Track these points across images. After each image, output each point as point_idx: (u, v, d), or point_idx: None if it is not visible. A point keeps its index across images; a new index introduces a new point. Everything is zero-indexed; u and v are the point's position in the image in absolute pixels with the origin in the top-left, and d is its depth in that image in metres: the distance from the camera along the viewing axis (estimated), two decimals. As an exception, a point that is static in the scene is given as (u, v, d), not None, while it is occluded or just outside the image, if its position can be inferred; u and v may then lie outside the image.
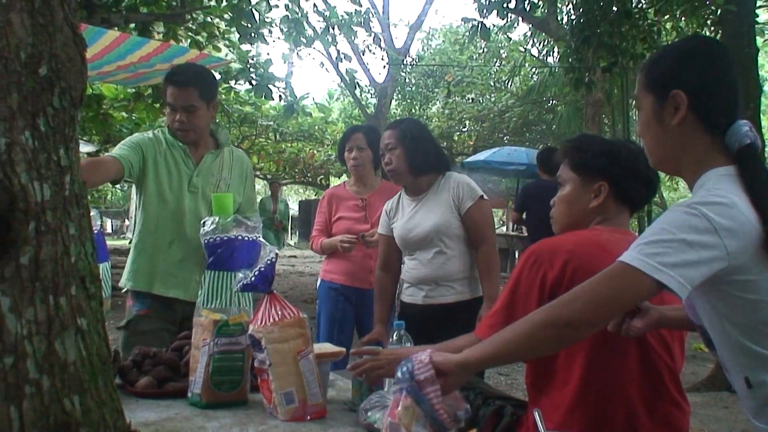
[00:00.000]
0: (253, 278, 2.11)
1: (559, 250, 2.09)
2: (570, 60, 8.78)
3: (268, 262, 2.12)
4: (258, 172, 19.34)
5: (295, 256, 17.42)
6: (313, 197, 25.93)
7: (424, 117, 22.34)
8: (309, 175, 21.36)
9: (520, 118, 21.40)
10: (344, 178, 21.75)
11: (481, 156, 14.84)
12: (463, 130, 23.33)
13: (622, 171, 2.21)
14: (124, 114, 12.37)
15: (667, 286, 1.52)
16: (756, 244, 1.55)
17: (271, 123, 17.12)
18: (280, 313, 2.09)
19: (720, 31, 6.94)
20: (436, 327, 3.25)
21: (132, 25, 8.54)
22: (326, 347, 2.52)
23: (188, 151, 3.41)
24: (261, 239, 2.33)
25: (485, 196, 3.52)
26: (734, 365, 1.69)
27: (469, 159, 15.86)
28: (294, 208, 24.75)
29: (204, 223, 2.39)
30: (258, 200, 16.11)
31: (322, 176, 21.39)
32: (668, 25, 8.59)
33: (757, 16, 6.80)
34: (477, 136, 22.90)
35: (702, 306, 1.71)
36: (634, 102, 13.15)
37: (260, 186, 22.45)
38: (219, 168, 3.48)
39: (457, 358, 1.76)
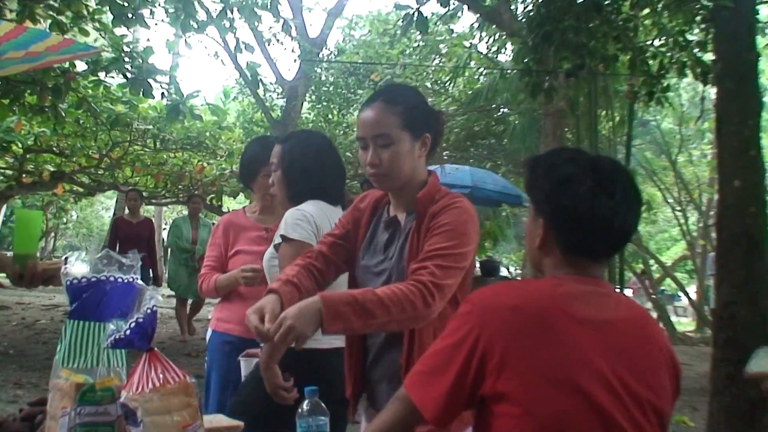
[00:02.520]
0: (128, 332, 2.08)
1: (500, 307, 2.09)
2: (526, 60, 8.88)
3: (148, 311, 2.10)
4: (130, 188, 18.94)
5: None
6: (202, 222, 25.70)
7: (344, 124, 22.30)
8: (197, 193, 21.02)
9: (463, 129, 21.47)
10: (241, 198, 21.44)
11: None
12: (393, 142, 23.39)
13: (563, 213, 2.19)
14: (-40, 111, 12.11)
15: None
16: None
17: (150, 127, 16.83)
18: (161, 376, 2.07)
19: (712, 31, 7.01)
20: None
21: (-22, 2, 8.39)
22: (219, 420, 2.50)
23: None
24: (140, 282, 2.30)
25: (293, 239, 3.39)
26: None
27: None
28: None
29: (66, 259, 2.35)
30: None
31: (213, 195, 21.02)
32: (647, 22, 8.75)
33: (757, 13, 6.81)
34: (409, 151, 22.96)
35: None
36: (603, 113, 13.45)
37: (144, 210, 21.93)
38: None
39: None
